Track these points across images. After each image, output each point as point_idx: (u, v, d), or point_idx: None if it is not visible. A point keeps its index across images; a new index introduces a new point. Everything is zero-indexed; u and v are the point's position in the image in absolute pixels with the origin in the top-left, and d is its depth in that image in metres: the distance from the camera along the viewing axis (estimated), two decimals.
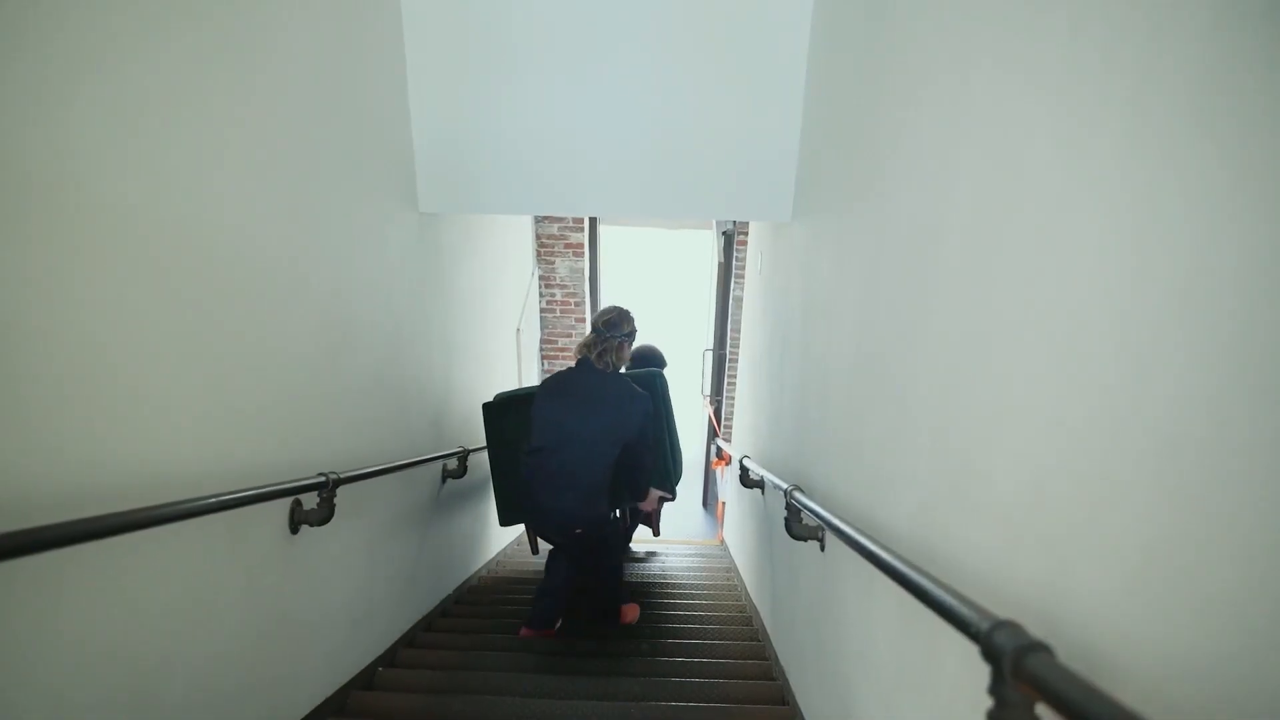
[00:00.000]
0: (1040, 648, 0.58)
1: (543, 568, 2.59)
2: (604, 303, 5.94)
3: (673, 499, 2.91)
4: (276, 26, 1.37)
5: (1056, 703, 0.52)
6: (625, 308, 2.32)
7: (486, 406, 2.88)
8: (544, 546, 2.69)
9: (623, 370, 2.32)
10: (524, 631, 2.41)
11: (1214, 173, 0.52)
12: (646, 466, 2.33)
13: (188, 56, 1.11)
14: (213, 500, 1.10)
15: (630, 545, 3.69)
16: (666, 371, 2.92)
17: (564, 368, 2.42)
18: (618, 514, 2.69)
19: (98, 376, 0.94)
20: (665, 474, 2.74)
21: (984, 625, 0.64)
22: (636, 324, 2.33)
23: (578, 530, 2.22)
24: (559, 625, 2.50)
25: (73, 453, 0.91)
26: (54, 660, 0.89)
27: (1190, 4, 0.54)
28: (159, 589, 1.09)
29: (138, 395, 1.02)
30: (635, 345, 2.70)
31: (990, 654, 0.61)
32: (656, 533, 3.01)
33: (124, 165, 0.98)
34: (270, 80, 1.35)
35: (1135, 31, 0.61)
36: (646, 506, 2.53)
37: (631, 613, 2.57)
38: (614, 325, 2.24)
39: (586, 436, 2.14)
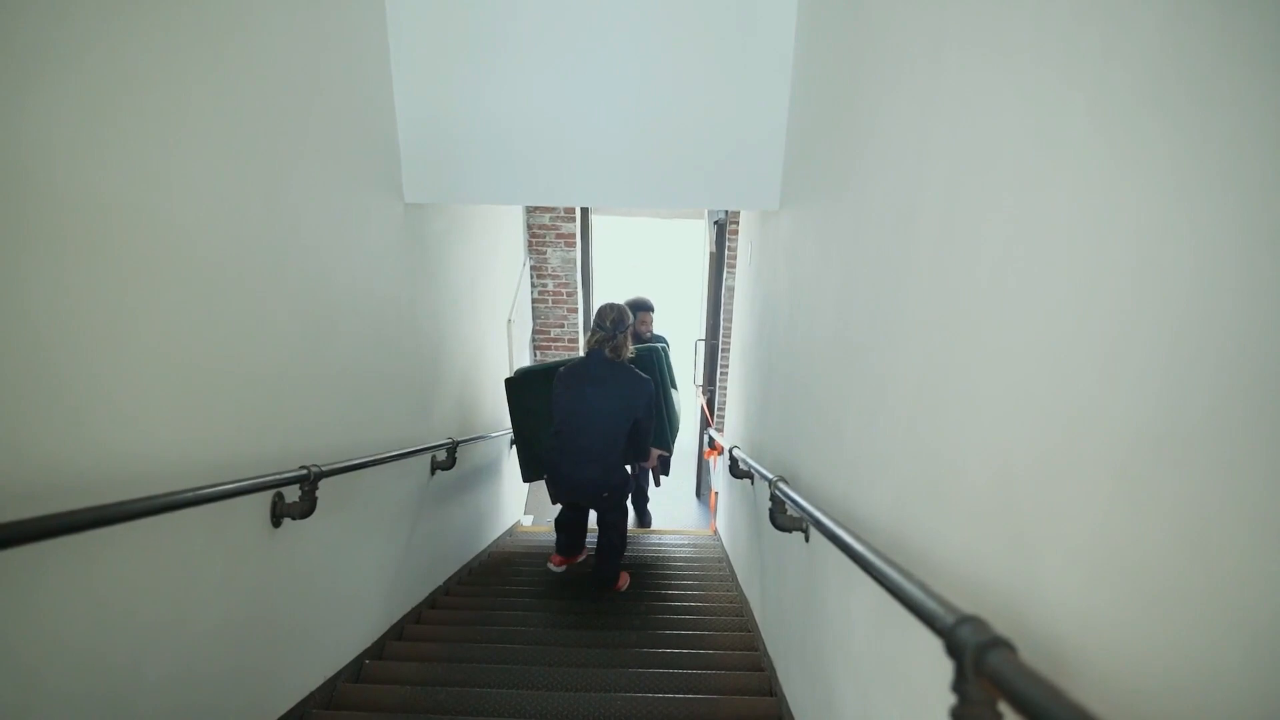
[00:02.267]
0: (1002, 644, 0.58)
1: (539, 549, 3.04)
2: (596, 293, 5.92)
3: (670, 454, 3.36)
4: (253, 10, 1.34)
5: (1014, 700, 0.51)
6: (622, 304, 2.75)
7: (508, 381, 3.31)
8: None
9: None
10: (555, 559, 3.13)
11: (1193, 162, 0.51)
12: (649, 433, 2.83)
13: (159, 41, 1.08)
14: (190, 494, 1.09)
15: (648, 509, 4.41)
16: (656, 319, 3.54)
17: (574, 358, 2.87)
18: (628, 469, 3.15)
19: (69, 368, 0.93)
20: (662, 434, 3.14)
21: (948, 620, 0.63)
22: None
23: (605, 494, 2.72)
24: (581, 558, 3.21)
25: (44, 446, 0.89)
26: (23, 657, 0.88)
27: None
28: (135, 584, 1.08)
29: (110, 387, 1.00)
30: (626, 299, 3.42)
31: (953, 649, 0.61)
32: (658, 484, 3.55)
33: (95, 155, 0.95)
34: (245, 67, 1.32)
35: (1101, 9, 0.60)
36: (648, 464, 3.09)
37: (623, 580, 2.96)
38: (620, 323, 2.63)
39: (602, 418, 2.59)
